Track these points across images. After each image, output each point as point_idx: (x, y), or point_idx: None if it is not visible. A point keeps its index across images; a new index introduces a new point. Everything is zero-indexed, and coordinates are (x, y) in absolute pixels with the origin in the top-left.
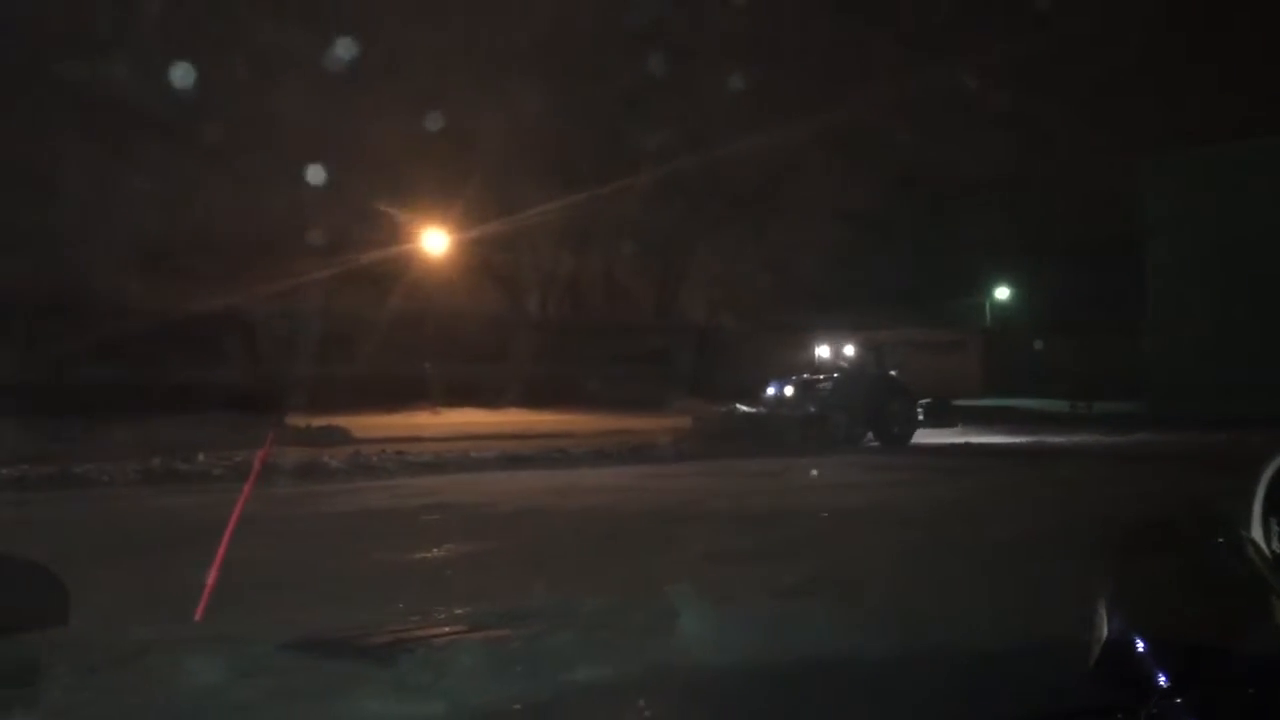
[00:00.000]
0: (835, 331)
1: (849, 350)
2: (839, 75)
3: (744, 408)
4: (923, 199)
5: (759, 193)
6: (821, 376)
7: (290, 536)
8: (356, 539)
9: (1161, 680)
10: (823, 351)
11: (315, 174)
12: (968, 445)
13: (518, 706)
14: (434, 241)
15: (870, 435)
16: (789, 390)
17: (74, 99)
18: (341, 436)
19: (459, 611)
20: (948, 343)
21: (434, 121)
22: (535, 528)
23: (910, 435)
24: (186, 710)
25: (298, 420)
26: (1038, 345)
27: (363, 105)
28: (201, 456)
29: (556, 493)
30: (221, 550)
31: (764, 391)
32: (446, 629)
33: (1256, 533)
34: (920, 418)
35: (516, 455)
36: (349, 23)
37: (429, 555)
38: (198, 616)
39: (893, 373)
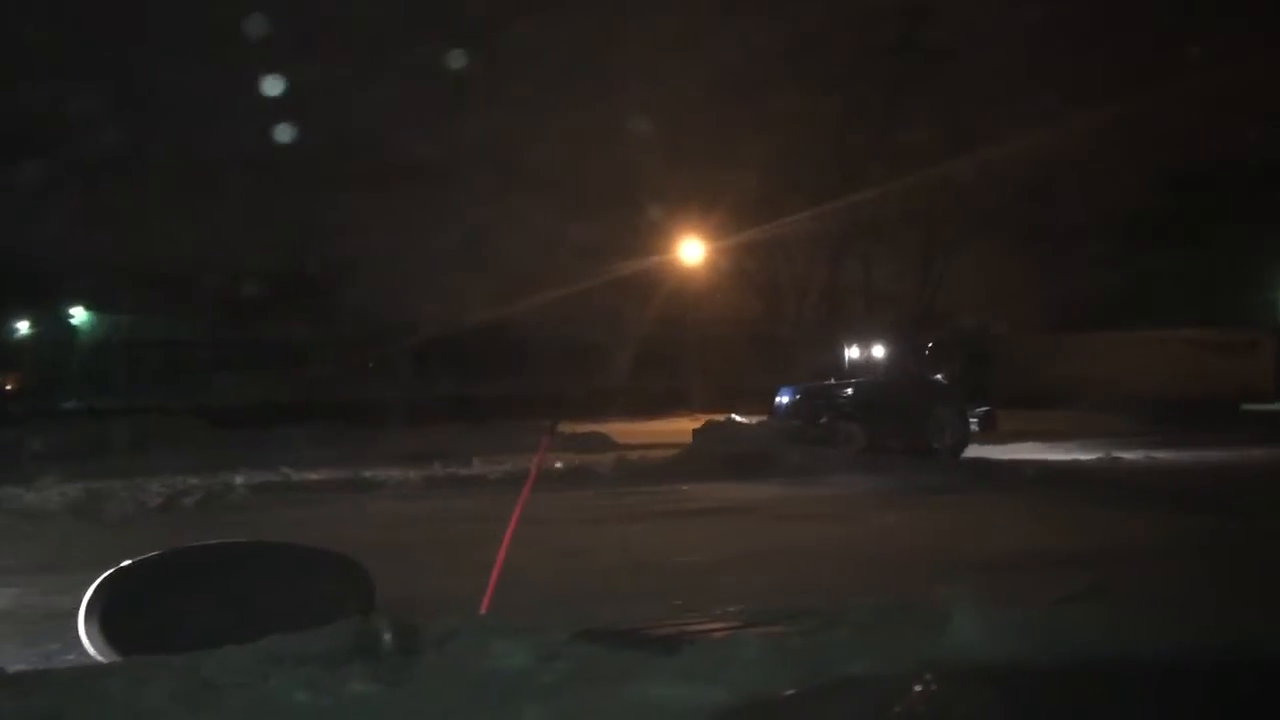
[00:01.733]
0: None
1: (877, 351)
2: (1112, 69)
3: (739, 419)
4: (1209, 193)
5: (1028, 192)
6: (840, 381)
7: (565, 536)
8: (626, 540)
9: None
10: (853, 353)
11: (574, 187)
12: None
13: (791, 692)
14: (691, 251)
15: (905, 448)
16: (799, 398)
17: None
18: (606, 443)
19: (732, 609)
20: (1240, 343)
21: (690, 130)
22: (803, 531)
23: (960, 449)
24: (499, 688)
25: (566, 427)
26: None
27: (619, 117)
28: (476, 462)
29: (814, 500)
30: (503, 549)
31: (777, 399)
32: (723, 624)
33: None
34: (975, 428)
35: None
36: (604, 37)
37: (698, 558)
38: (483, 608)
39: (939, 376)
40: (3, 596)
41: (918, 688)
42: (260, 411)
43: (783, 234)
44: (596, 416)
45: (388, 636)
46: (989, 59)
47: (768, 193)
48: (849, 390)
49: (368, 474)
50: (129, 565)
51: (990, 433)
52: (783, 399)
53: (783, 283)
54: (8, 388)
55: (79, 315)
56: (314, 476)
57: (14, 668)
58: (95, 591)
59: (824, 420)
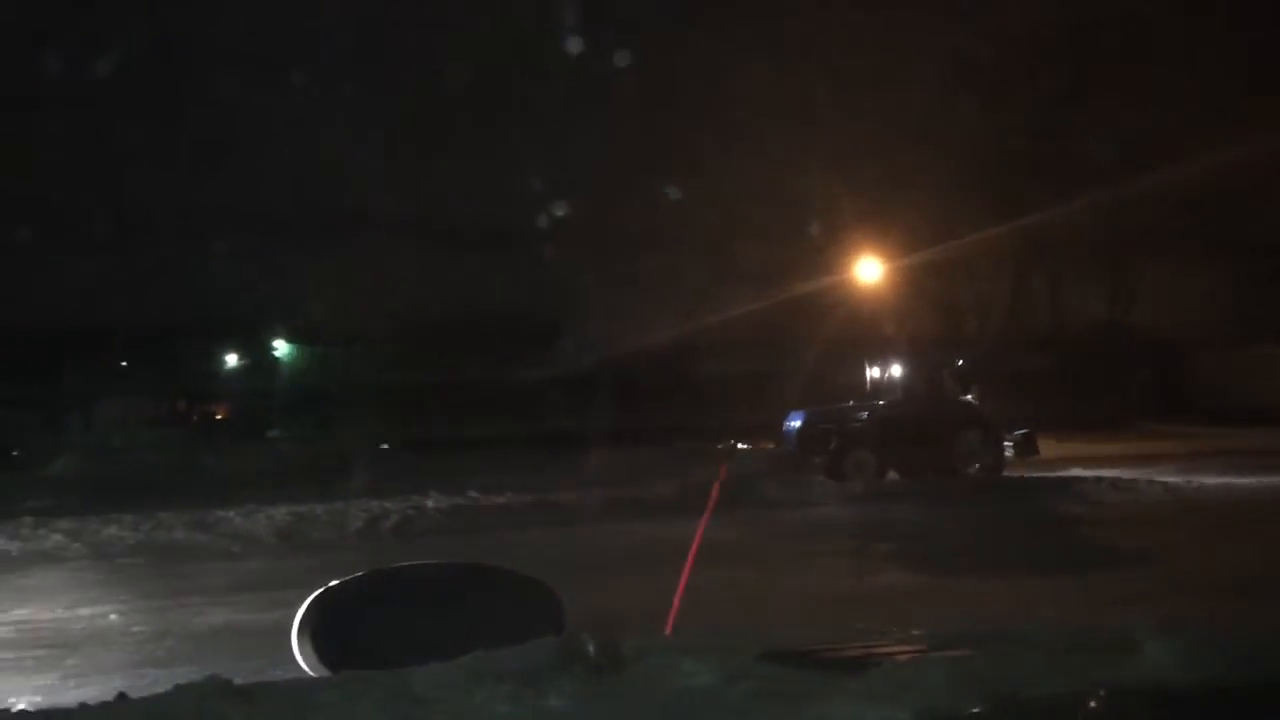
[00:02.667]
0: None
1: (896, 370)
2: None
3: (744, 446)
4: None
5: (1218, 200)
6: (855, 404)
7: (751, 559)
8: (815, 562)
9: None
10: (874, 372)
11: (748, 207)
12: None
13: (976, 710)
14: (868, 271)
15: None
16: (806, 423)
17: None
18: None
19: (916, 632)
20: None
21: (867, 146)
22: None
23: (994, 474)
24: (686, 707)
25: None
26: None
27: (793, 134)
28: (656, 485)
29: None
30: (686, 570)
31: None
32: (908, 647)
33: None
34: (1009, 453)
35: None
36: (773, 50)
37: (878, 580)
38: (668, 629)
39: (968, 397)
40: (217, 614)
41: (1104, 710)
42: (452, 440)
43: (964, 251)
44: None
45: (582, 654)
46: (1178, 63)
47: (948, 209)
48: (864, 414)
49: (552, 497)
50: (336, 585)
51: (1028, 458)
52: (791, 424)
53: (963, 301)
54: (218, 417)
55: (282, 348)
56: (500, 500)
57: (238, 680)
58: (306, 610)
59: (832, 447)
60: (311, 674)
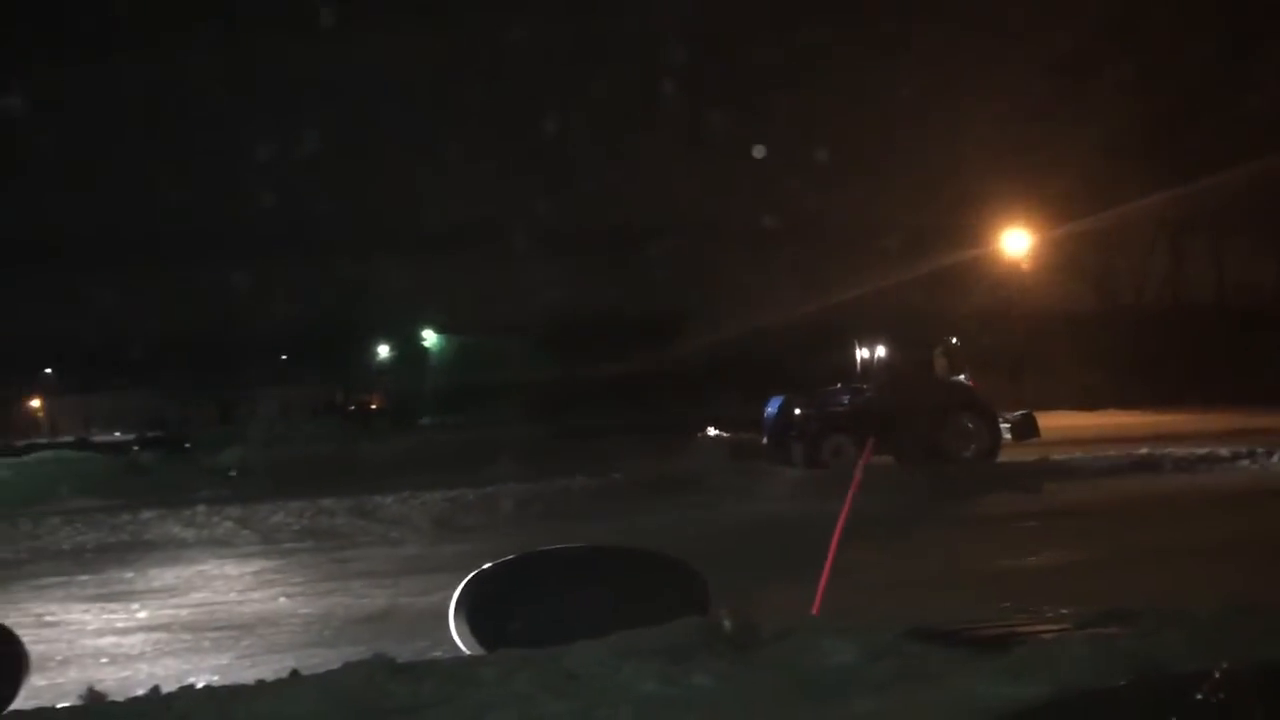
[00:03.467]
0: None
1: (880, 352)
2: None
3: (716, 432)
4: None
5: None
6: (838, 388)
7: (893, 539)
8: (961, 543)
9: None
10: (864, 353)
11: (892, 182)
12: None
13: (1116, 685)
14: (1015, 242)
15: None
16: (782, 409)
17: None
18: None
19: (1065, 611)
20: None
21: (1018, 115)
22: (1141, 534)
23: (990, 455)
24: (830, 683)
25: None
26: None
27: (935, 106)
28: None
29: (1166, 500)
30: (831, 552)
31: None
32: (1053, 625)
33: None
34: (1006, 435)
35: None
36: (918, 18)
37: (1032, 560)
38: (814, 610)
39: (961, 378)
40: (379, 597)
41: (1253, 686)
42: (593, 427)
43: (1119, 221)
44: None
45: (726, 634)
46: None
47: (1102, 178)
48: (846, 397)
49: (689, 480)
50: (489, 568)
51: (1028, 440)
52: (770, 409)
53: (1119, 272)
54: (373, 407)
55: (431, 339)
56: (642, 482)
57: (402, 659)
58: (462, 592)
59: (809, 432)
60: (468, 653)
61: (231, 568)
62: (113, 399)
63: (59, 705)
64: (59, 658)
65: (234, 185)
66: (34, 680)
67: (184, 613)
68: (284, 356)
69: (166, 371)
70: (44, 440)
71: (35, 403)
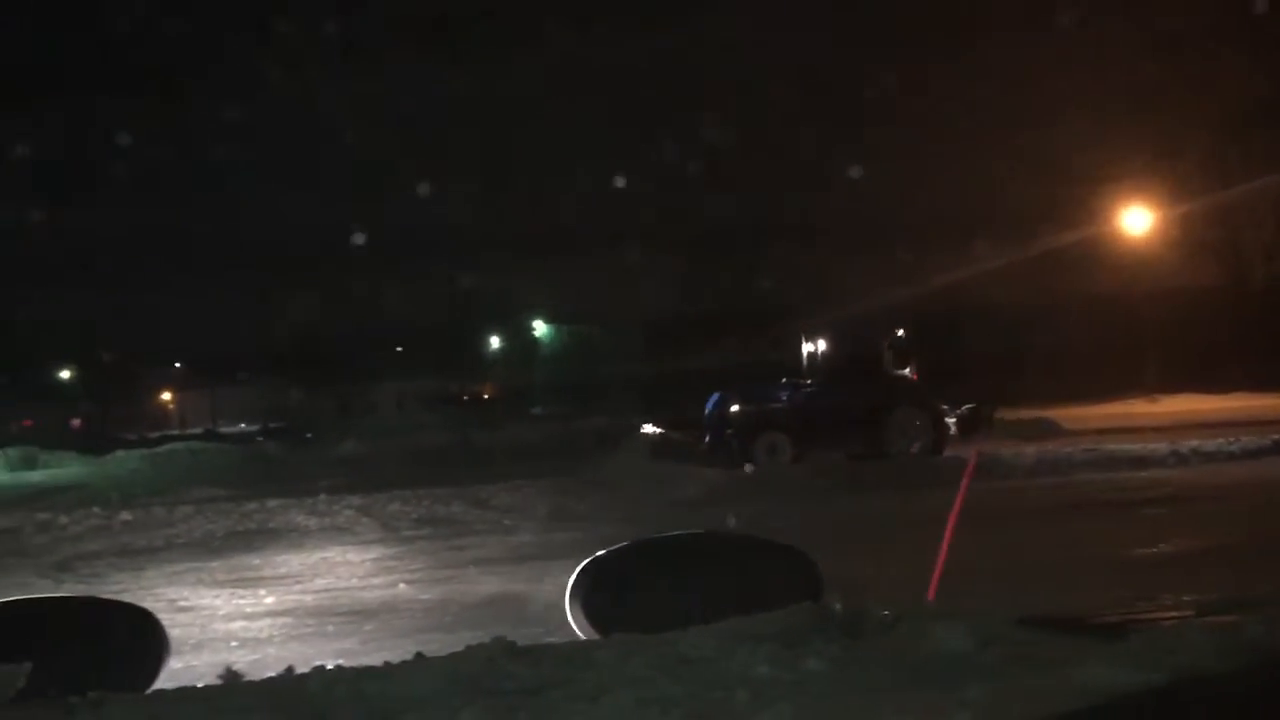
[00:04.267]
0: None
1: (820, 345)
2: None
3: (652, 429)
4: None
5: None
6: (777, 383)
7: (1009, 527)
8: (1072, 531)
9: None
10: (810, 347)
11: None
12: None
13: (1245, 669)
14: (1135, 219)
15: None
16: (718, 405)
17: None
18: (1052, 429)
19: (1186, 598)
20: None
21: (1141, 89)
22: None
23: (934, 450)
24: (940, 668)
25: (1007, 413)
26: None
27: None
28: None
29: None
30: (946, 539)
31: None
32: (1174, 613)
33: None
34: (951, 431)
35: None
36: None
37: (1150, 549)
38: (930, 596)
39: (905, 372)
40: (495, 583)
41: None
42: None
43: (1247, 195)
44: (1042, 400)
45: (837, 620)
46: None
47: (1229, 151)
48: (784, 393)
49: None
50: (603, 555)
51: (977, 434)
52: (710, 405)
53: (1247, 248)
54: (485, 397)
55: (540, 329)
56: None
57: (526, 641)
58: (577, 578)
59: (741, 428)
60: (584, 637)
61: (353, 554)
62: (238, 392)
63: (198, 685)
64: (193, 641)
65: (359, 191)
66: (170, 663)
67: (309, 598)
68: (400, 349)
69: (289, 365)
70: (175, 432)
71: (166, 396)
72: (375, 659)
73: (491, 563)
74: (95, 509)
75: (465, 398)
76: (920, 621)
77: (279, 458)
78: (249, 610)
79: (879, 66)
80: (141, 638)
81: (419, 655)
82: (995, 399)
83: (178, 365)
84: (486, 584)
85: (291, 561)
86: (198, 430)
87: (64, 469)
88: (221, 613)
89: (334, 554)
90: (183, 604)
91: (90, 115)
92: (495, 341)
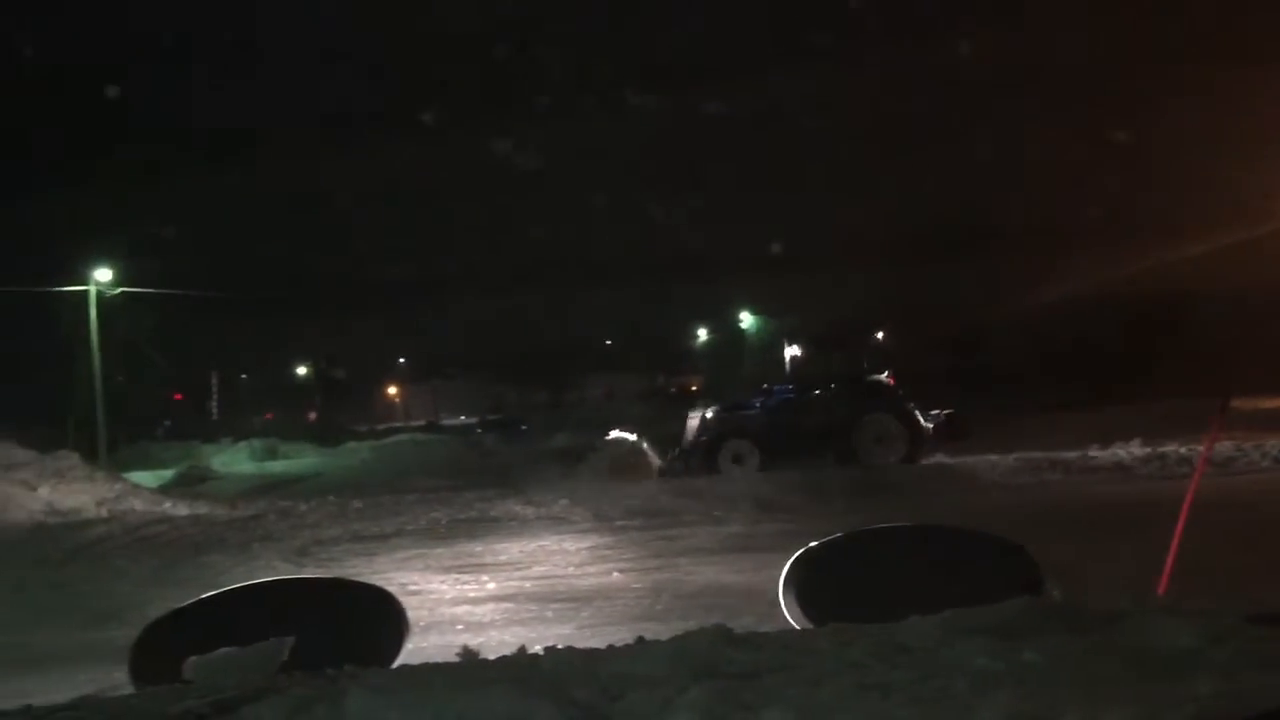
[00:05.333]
0: None
1: (793, 353)
2: None
3: (625, 435)
4: None
5: None
6: (756, 392)
7: (1244, 521)
8: None
9: None
10: (791, 352)
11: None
12: None
13: None
14: None
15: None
16: (693, 419)
17: None
18: None
19: None
20: None
21: None
22: None
23: (910, 458)
24: (1164, 666)
25: (1243, 404)
26: None
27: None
28: (1136, 443)
29: None
30: (1177, 533)
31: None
32: None
33: None
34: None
35: None
36: None
37: None
38: (1160, 590)
39: (880, 377)
40: (706, 573)
41: None
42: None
43: None
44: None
45: (1057, 613)
46: None
47: None
48: (758, 402)
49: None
50: (817, 545)
51: (955, 440)
52: (692, 420)
53: None
54: (693, 389)
55: (747, 321)
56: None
57: (741, 630)
58: (792, 567)
59: (706, 438)
60: (798, 628)
61: (569, 543)
62: (458, 385)
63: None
64: (421, 624)
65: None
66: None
67: (528, 585)
68: (609, 342)
69: (506, 361)
70: (399, 424)
71: (392, 390)
72: (594, 644)
73: (702, 553)
74: (330, 497)
75: (673, 390)
76: (1145, 616)
77: (496, 449)
78: (473, 595)
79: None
80: (384, 618)
81: (640, 639)
82: (1231, 388)
83: (401, 361)
84: (698, 574)
85: (511, 549)
86: (421, 423)
87: (301, 459)
88: (448, 597)
89: (550, 542)
90: (412, 588)
91: (363, 148)
92: (703, 334)
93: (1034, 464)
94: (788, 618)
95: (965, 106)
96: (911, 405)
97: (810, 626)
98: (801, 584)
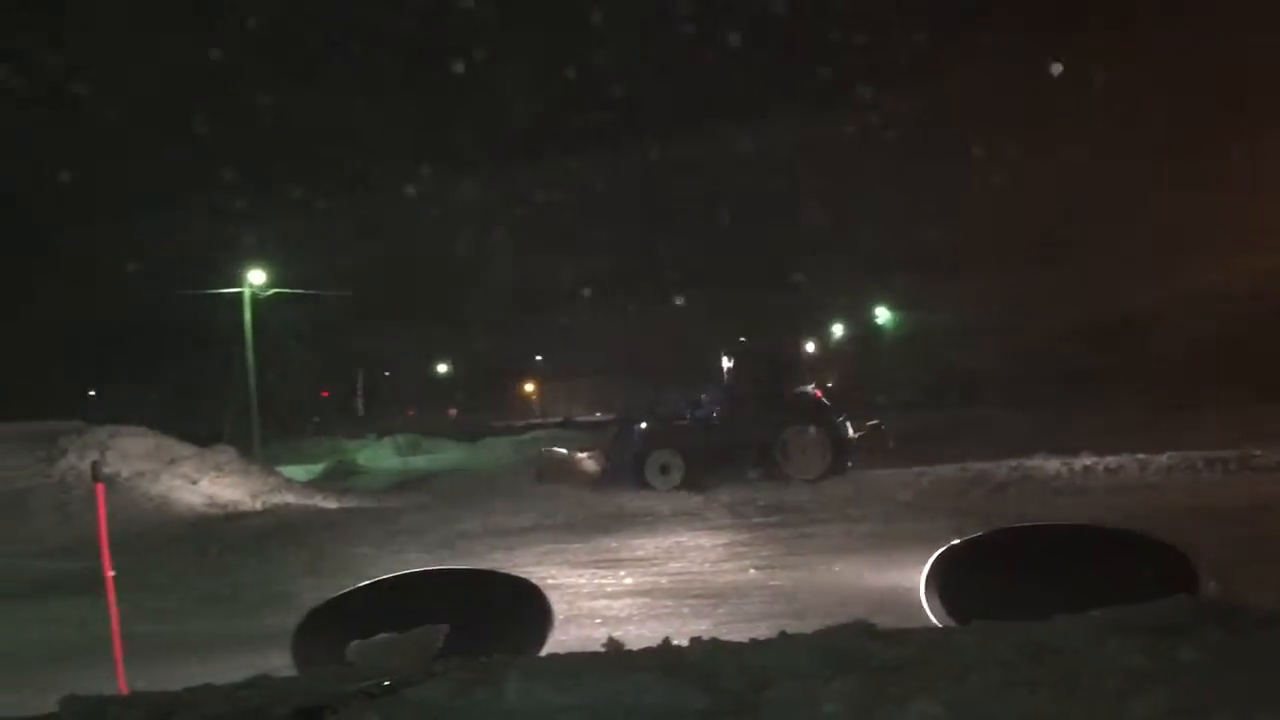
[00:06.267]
0: None
1: (736, 365)
2: None
3: (560, 451)
4: None
5: None
6: (685, 404)
7: None
8: None
9: None
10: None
11: None
12: None
13: None
14: None
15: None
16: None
17: None
18: None
19: None
20: None
21: None
22: None
23: (834, 470)
24: None
25: None
26: None
27: None
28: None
29: None
30: None
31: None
32: None
33: None
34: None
35: None
36: None
37: None
38: None
39: (807, 388)
40: (842, 572)
41: None
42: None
43: None
44: None
45: (1214, 613)
46: None
47: None
48: (689, 413)
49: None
50: (959, 544)
51: (877, 453)
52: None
53: None
54: (828, 385)
55: (883, 317)
56: (1109, 462)
57: (880, 624)
58: (932, 566)
59: (635, 451)
60: (939, 625)
61: (704, 539)
62: (592, 383)
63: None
64: (561, 616)
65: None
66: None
67: (664, 580)
68: (742, 339)
69: (636, 358)
70: (537, 420)
71: (529, 387)
72: (732, 639)
73: (837, 551)
74: (469, 492)
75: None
76: None
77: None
78: (610, 590)
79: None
80: (531, 609)
81: (783, 633)
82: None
83: (538, 359)
84: (835, 571)
85: (647, 545)
86: (557, 420)
87: (442, 454)
88: (585, 591)
89: (685, 539)
90: (550, 582)
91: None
92: (839, 330)
93: (1190, 463)
94: (930, 615)
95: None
96: (839, 418)
97: (953, 624)
98: (944, 582)
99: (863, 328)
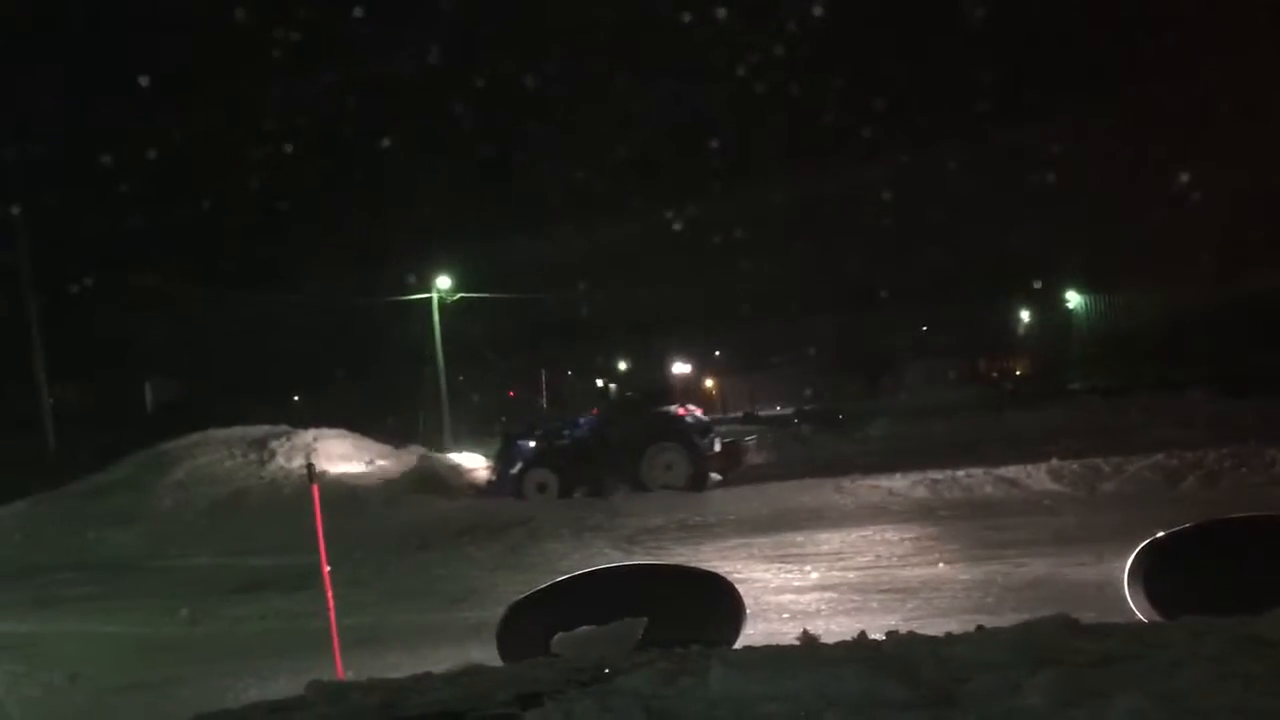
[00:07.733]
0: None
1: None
2: None
3: (454, 459)
4: None
5: None
6: (558, 420)
7: None
8: None
9: None
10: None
11: None
12: None
13: None
14: None
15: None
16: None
17: None
18: None
19: None
20: None
21: None
22: None
23: (693, 485)
24: None
25: None
26: None
27: None
28: None
29: None
30: None
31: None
32: None
33: None
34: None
35: None
36: None
37: None
38: None
39: (669, 408)
40: (1036, 566)
41: None
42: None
43: None
44: None
45: None
46: None
47: None
48: (566, 430)
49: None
50: (1165, 535)
51: (731, 469)
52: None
53: None
54: (1018, 373)
55: (1074, 300)
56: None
57: (1086, 619)
58: (1136, 559)
59: (516, 467)
60: (1144, 619)
61: (890, 534)
62: (772, 376)
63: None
64: (748, 611)
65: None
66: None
67: (851, 575)
68: (925, 328)
69: (819, 347)
70: (718, 415)
71: (709, 382)
72: (926, 633)
73: (1031, 544)
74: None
75: (995, 374)
76: None
77: (812, 438)
78: (796, 584)
79: None
80: (724, 603)
81: (980, 627)
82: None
83: (717, 354)
84: (1028, 565)
85: (832, 539)
86: (738, 414)
87: None
88: (772, 586)
89: (871, 533)
90: (736, 576)
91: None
92: (1025, 315)
93: None
94: (1134, 610)
95: None
96: (697, 435)
97: (1159, 619)
98: (1149, 575)
99: (1054, 311)
